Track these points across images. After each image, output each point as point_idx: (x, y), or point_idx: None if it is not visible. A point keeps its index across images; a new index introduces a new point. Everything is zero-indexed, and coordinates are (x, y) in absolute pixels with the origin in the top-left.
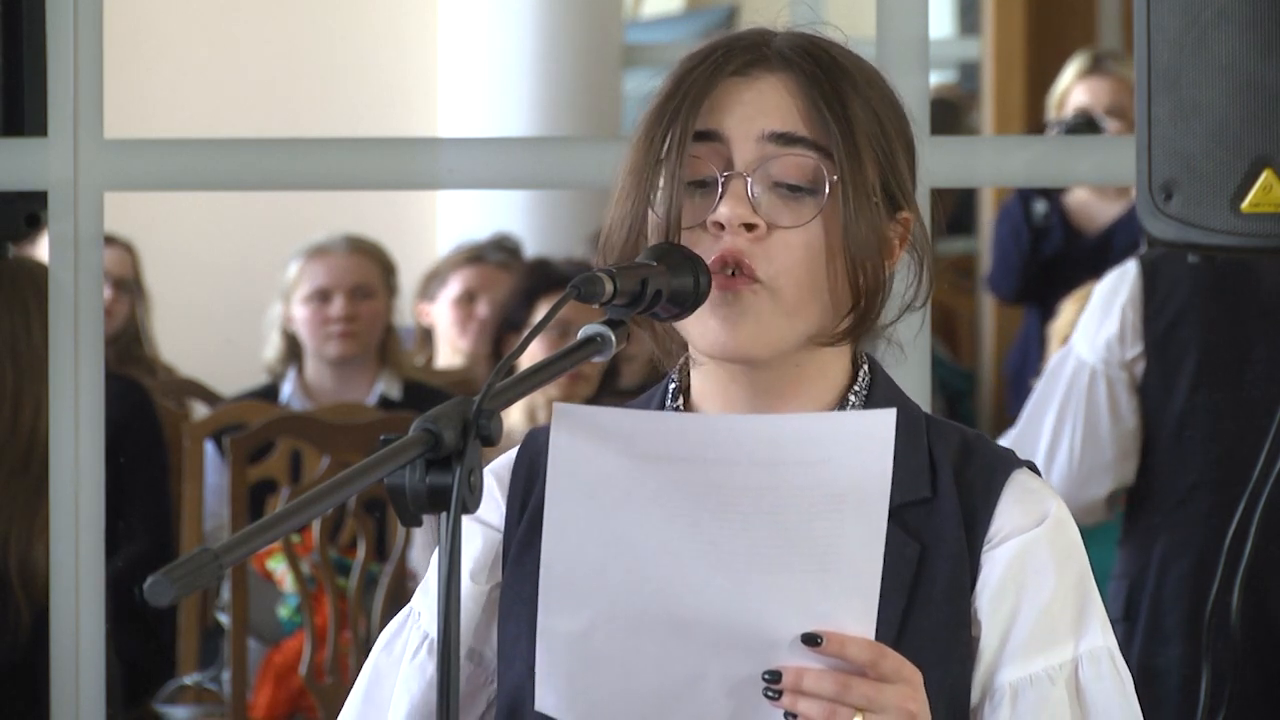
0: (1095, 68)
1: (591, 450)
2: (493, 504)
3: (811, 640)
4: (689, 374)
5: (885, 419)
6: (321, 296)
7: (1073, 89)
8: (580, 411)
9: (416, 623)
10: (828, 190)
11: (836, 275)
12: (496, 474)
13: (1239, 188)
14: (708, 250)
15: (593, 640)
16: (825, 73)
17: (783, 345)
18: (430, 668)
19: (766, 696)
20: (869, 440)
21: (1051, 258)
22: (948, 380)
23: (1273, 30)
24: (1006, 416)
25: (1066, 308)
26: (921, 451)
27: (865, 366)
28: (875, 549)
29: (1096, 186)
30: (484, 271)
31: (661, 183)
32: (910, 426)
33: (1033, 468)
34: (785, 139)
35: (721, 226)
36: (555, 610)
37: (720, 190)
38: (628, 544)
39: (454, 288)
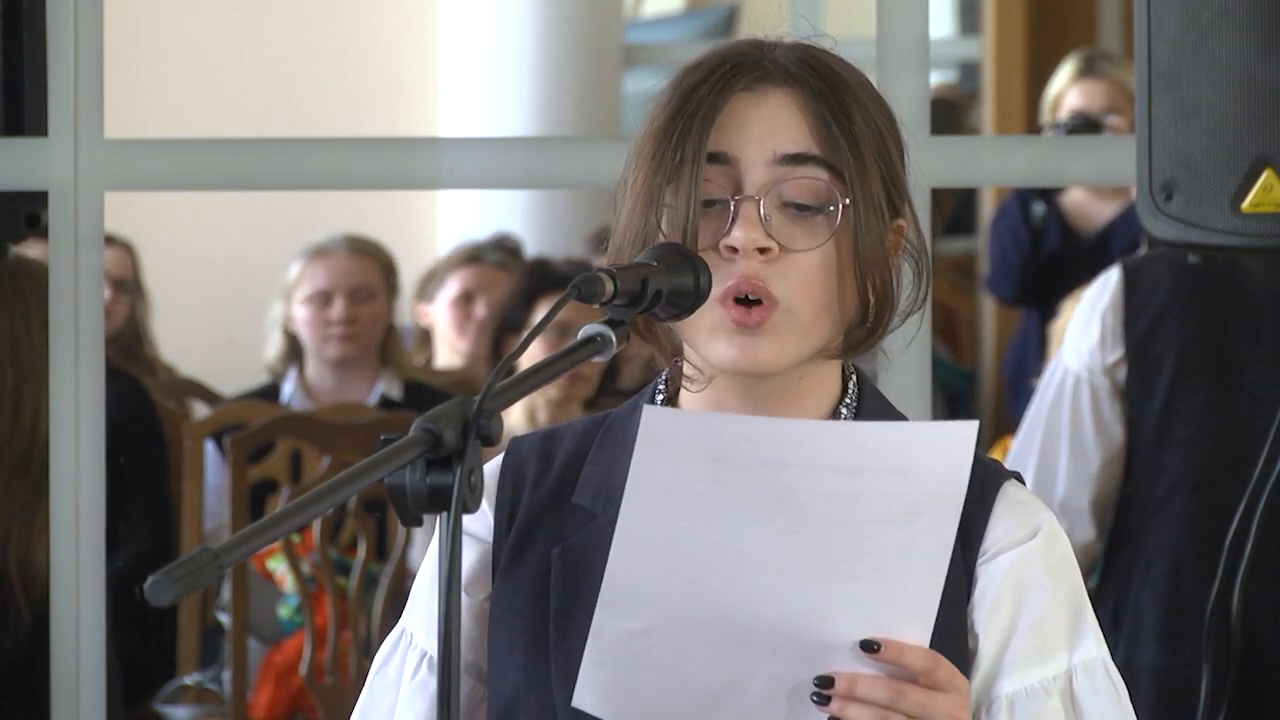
0: (1089, 70)
1: (674, 453)
2: (480, 515)
3: (869, 646)
4: (676, 381)
5: (967, 431)
6: (322, 298)
7: (1067, 91)
8: (669, 415)
9: (410, 643)
10: (840, 210)
11: (848, 290)
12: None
13: (1239, 188)
14: (721, 273)
15: (646, 640)
16: (830, 87)
17: (798, 359)
18: (432, 684)
19: (813, 700)
20: (949, 452)
21: (1049, 258)
22: (948, 380)
23: (1273, 30)
24: (1007, 416)
25: (1067, 308)
26: None
27: (854, 377)
28: (942, 559)
29: (1093, 186)
30: (482, 272)
31: (668, 199)
32: None
33: (1019, 478)
34: (797, 159)
35: (735, 250)
36: (614, 609)
37: (732, 213)
38: (697, 549)
39: (452, 288)
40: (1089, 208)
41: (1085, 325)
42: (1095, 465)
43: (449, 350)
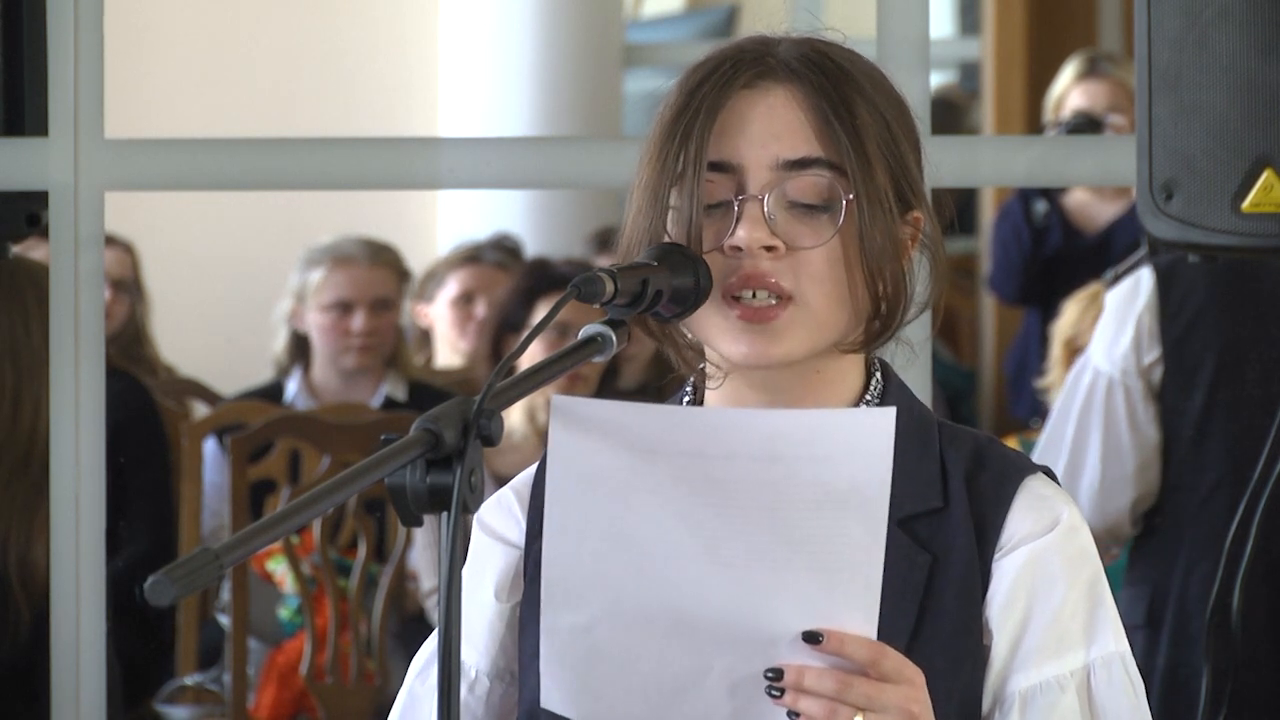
0: (1092, 70)
1: (591, 443)
2: (513, 521)
3: (812, 638)
4: (704, 384)
5: (885, 416)
6: (343, 308)
7: (1070, 91)
8: (579, 404)
9: None
10: (844, 206)
11: (857, 285)
12: (516, 490)
13: (1240, 187)
14: (727, 272)
15: (595, 636)
16: (832, 82)
17: (812, 351)
18: (462, 692)
19: (769, 695)
20: (869, 437)
21: (1051, 257)
22: (948, 380)
23: (1273, 30)
24: (1008, 416)
25: (1069, 308)
26: (933, 459)
27: (878, 372)
28: (876, 547)
29: (1095, 186)
30: (482, 272)
31: (673, 201)
32: (922, 433)
33: (1048, 473)
34: (799, 165)
35: (740, 250)
36: (557, 605)
37: (736, 213)
38: (628, 539)
39: (451, 288)
40: (1091, 207)
41: (1118, 327)
42: (1131, 466)
43: (449, 350)
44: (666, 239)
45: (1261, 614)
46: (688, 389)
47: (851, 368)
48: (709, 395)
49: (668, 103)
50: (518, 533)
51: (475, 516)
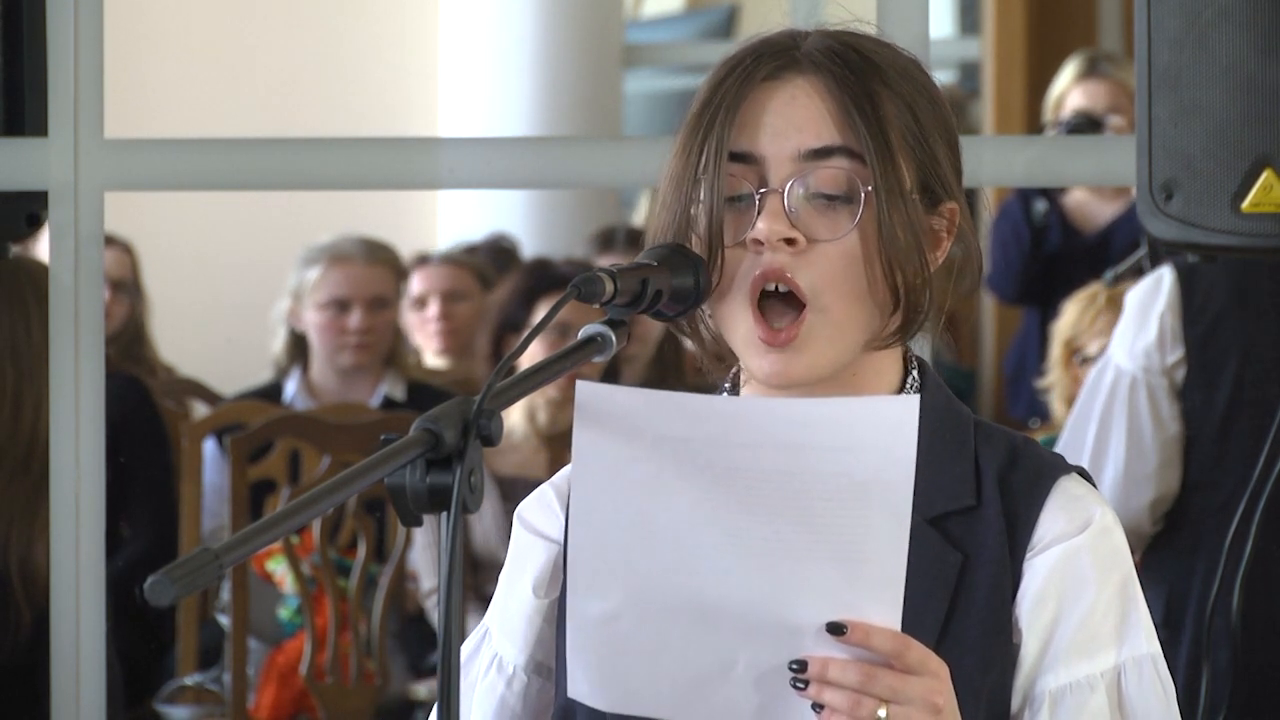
0: (1091, 70)
1: (615, 431)
2: (553, 517)
3: (836, 629)
4: (739, 384)
5: (907, 405)
6: (339, 306)
7: (1069, 92)
8: (603, 392)
9: (489, 641)
10: (863, 198)
11: (877, 279)
12: (556, 487)
13: (1239, 187)
14: (748, 268)
15: (620, 625)
16: (856, 74)
17: (837, 362)
18: (500, 687)
19: (794, 686)
20: (891, 427)
21: (1051, 257)
22: (948, 380)
23: (1273, 30)
24: (1007, 416)
25: (1069, 308)
26: (967, 458)
27: (914, 369)
28: (900, 538)
29: (1094, 186)
30: (430, 272)
31: (700, 194)
32: (958, 431)
33: (1083, 473)
34: (821, 154)
35: (760, 243)
36: (583, 594)
37: (757, 207)
38: (653, 528)
39: (410, 292)
40: (1090, 207)
41: (1139, 325)
42: (1153, 464)
43: (429, 352)
44: (692, 233)
45: (1262, 614)
46: (724, 388)
47: (887, 366)
48: (744, 388)
49: (696, 97)
50: (557, 528)
51: (516, 512)
